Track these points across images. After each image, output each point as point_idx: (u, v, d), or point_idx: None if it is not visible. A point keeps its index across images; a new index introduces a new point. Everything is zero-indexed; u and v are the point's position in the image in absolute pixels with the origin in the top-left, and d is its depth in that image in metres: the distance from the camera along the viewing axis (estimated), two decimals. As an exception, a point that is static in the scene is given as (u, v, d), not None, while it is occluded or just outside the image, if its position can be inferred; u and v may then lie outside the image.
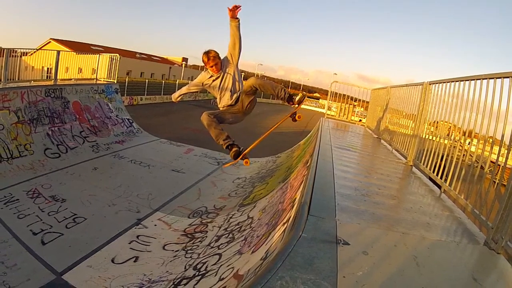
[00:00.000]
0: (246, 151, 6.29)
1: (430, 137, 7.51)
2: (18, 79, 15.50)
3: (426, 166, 6.92)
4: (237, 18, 5.80)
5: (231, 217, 8.84)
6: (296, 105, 6.25)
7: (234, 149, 6.12)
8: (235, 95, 6.27)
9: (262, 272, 3.32)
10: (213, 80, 6.24)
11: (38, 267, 6.93)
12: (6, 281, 6.31)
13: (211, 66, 6.07)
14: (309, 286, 2.68)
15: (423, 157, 7.23)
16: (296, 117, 6.52)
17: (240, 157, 6.16)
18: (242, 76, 6.92)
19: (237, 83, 6.29)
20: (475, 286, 3.04)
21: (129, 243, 8.06)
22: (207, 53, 6.05)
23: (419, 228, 4.20)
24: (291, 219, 4.61)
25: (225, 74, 6.21)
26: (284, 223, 4.97)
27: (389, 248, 3.59)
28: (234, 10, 5.68)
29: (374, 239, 3.74)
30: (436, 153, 6.57)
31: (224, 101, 6.34)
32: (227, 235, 7.60)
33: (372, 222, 4.22)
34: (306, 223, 3.74)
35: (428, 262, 3.38)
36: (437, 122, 7.60)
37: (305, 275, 2.81)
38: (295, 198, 5.78)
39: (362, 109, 19.56)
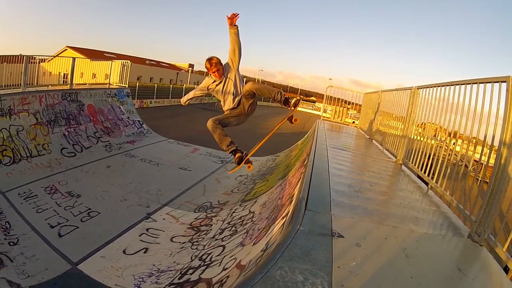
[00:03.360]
0: (248, 156, 6.31)
1: (418, 138, 7.57)
2: (37, 83, 15.63)
3: (415, 165, 7.00)
4: (236, 25, 5.84)
5: (234, 212, 8.87)
6: (292, 108, 6.13)
7: (237, 155, 6.16)
8: (237, 98, 6.29)
9: (263, 262, 3.35)
10: (216, 85, 6.29)
11: (55, 258, 6.98)
12: (25, 270, 6.36)
13: (214, 72, 6.11)
14: (306, 275, 2.73)
15: (412, 156, 7.30)
16: (293, 120, 6.49)
17: (243, 162, 6.20)
18: (244, 81, 6.94)
19: (238, 87, 6.31)
20: (459, 276, 3.09)
21: (140, 236, 8.11)
22: (209, 59, 6.09)
23: (408, 222, 4.25)
24: (289, 213, 4.62)
25: (227, 79, 6.25)
26: (283, 217, 5.00)
27: (380, 241, 3.64)
28: (233, 18, 5.73)
29: (366, 232, 3.79)
30: (424, 153, 6.64)
31: (227, 104, 6.36)
32: (230, 228, 7.63)
33: (365, 216, 4.27)
34: (303, 217, 3.79)
35: (417, 254, 3.45)
36: (424, 123, 7.69)
37: (303, 265, 2.86)
38: (293, 194, 5.78)
39: (355, 111, 19.62)
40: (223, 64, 6.18)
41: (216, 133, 6.07)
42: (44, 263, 6.72)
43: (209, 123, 6.05)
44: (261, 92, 6.10)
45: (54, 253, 7.17)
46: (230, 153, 6.18)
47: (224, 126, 6.21)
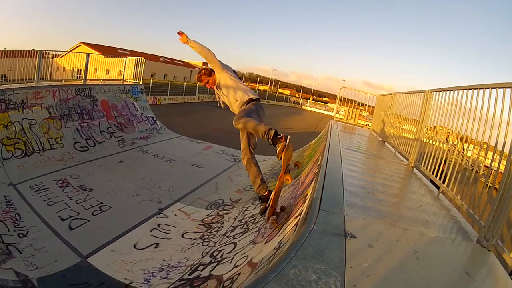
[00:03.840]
0: (270, 207, 6.09)
1: (429, 141, 7.66)
2: (50, 78, 15.78)
3: (426, 168, 7.00)
4: (189, 41, 6.07)
5: (245, 210, 8.75)
6: (280, 156, 5.67)
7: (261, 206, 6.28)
8: (237, 102, 6.38)
9: (277, 260, 3.34)
10: (218, 93, 6.50)
11: (65, 250, 6.92)
12: (34, 262, 6.32)
13: (205, 84, 6.34)
14: (320, 275, 2.79)
15: (423, 160, 7.32)
16: (270, 212, 6.19)
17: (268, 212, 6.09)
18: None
19: (232, 91, 6.34)
20: (467, 280, 3.14)
21: (151, 231, 8.03)
22: (197, 77, 6.14)
23: (419, 225, 4.31)
24: (303, 213, 4.62)
25: (220, 86, 6.40)
26: (296, 216, 4.98)
27: (392, 242, 3.71)
28: (181, 36, 6.02)
29: (378, 233, 3.87)
30: (435, 157, 6.67)
31: (235, 108, 6.48)
32: (242, 226, 7.51)
33: (377, 218, 4.34)
34: (317, 217, 3.86)
35: (427, 257, 3.49)
36: (435, 127, 7.69)
37: (316, 265, 2.92)
38: (307, 194, 5.76)
39: (367, 113, 19.53)
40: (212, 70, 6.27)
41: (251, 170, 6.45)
42: (54, 255, 6.68)
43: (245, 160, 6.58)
44: (247, 130, 6.10)
45: (64, 245, 7.11)
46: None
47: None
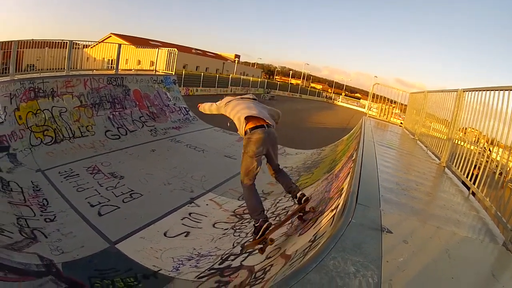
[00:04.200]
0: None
1: (460, 143, 7.57)
2: (80, 68, 15.85)
3: (458, 169, 6.91)
4: (200, 108, 6.80)
5: (278, 202, 8.63)
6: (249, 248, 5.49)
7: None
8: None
9: (316, 252, 3.29)
10: None
11: (93, 236, 6.84)
12: (60, 247, 6.23)
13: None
14: (358, 267, 2.84)
15: (455, 160, 7.22)
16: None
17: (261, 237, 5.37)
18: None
19: (238, 125, 5.95)
20: (493, 282, 3.16)
21: (182, 219, 7.96)
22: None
23: (450, 224, 4.33)
24: (340, 206, 4.58)
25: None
26: (332, 210, 4.93)
27: (426, 240, 3.76)
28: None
29: (413, 230, 3.94)
30: (467, 158, 6.55)
31: None
32: (274, 218, 7.39)
33: (411, 214, 4.41)
34: (354, 210, 3.90)
35: (458, 256, 3.52)
36: (466, 128, 7.68)
37: (354, 257, 2.97)
38: (342, 188, 5.70)
39: (399, 111, 19.17)
40: None
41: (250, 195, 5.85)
42: (81, 240, 6.59)
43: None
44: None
45: (92, 231, 7.04)
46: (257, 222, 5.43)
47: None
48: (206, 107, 6.80)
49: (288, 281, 2.83)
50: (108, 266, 5.89)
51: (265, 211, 5.62)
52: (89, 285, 5.31)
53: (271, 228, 5.34)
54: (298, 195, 5.80)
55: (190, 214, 8.26)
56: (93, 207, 8.04)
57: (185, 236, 7.28)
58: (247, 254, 5.68)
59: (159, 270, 5.88)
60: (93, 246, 6.41)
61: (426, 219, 4.30)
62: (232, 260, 5.72)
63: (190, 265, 6.02)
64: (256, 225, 5.31)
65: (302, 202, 5.74)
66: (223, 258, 5.95)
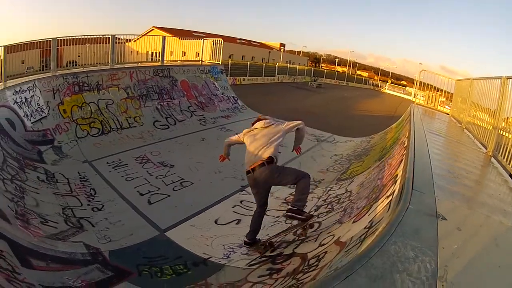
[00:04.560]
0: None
1: (504, 133, 7.43)
2: (123, 61, 15.97)
3: (504, 158, 6.72)
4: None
5: (329, 190, 8.49)
6: None
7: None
8: None
9: (377, 237, 3.26)
10: None
11: (142, 224, 6.78)
12: (107, 235, 6.19)
13: None
14: (417, 252, 2.86)
15: (501, 150, 7.05)
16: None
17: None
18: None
19: None
20: None
21: (233, 207, 7.89)
22: None
23: (498, 213, 4.27)
24: (396, 192, 4.58)
25: None
26: (388, 196, 4.89)
27: (477, 228, 3.74)
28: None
29: (464, 217, 3.93)
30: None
31: None
32: (326, 205, 7.33)
33: (463, 202, 4.40)
34: (411, 196, 3.88)
35: (506, 245, 3.53)
36: (508, 118, 7.48)
37: (413, 243, 2.98)
38: (397, 175, 5.64)
39: (444, 99, 18.40)
40: None
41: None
42: (129, 228, 6.54)
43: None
44: None
45: (142, 219, 6.98)
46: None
47: None
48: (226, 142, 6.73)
49: (353, 265, 2.78)
50: (157, 254, 5.84)
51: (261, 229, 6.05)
52: (136, 272, 5.23)
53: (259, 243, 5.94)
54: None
55: (241, 201, 8.17)
56: (142, 196, 8.00)
57: (236, 223, 7.23)
58: (300, 241, 5.59)
59: (209, 258, 5.81)
60: (142, 234, 6.37)
61: (477, 208, 4.30)
62: (284, 247, 5.63)
63: (241, 253, 5.95)
64: (248, 240, 5.96)
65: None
66: (275, 246, 5.86)
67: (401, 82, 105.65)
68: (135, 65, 15.74)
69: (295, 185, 5.58)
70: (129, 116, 12.76)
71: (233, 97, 19.19)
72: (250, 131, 5.92)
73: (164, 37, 18.10)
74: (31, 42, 12.15)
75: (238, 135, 6.16)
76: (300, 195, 5.48)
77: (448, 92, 16.99)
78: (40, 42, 12.45)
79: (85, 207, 7.12)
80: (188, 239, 6.36)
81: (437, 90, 17.46)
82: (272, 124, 5.84)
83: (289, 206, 5.51)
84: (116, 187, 8.27)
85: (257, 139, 5.71)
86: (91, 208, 7.07)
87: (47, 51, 12.40)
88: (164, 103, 14.66)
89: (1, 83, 10.30)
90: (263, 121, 5.90)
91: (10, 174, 6.88)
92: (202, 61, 20.24)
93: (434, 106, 17.38)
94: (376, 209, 4.72)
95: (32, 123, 9.74)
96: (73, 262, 5.11)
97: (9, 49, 10.93)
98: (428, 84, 17.56)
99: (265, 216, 6.84)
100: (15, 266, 4.10)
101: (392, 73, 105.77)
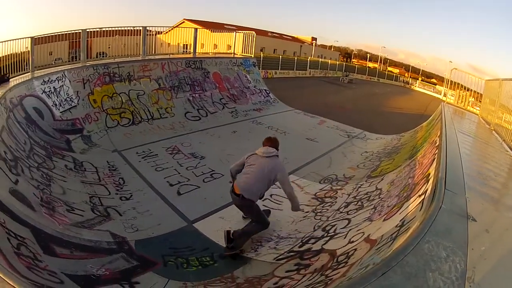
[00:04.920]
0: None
1: None
2: (154, 53, 16.18)
3: None
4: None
5: (359, 187, 8.32)
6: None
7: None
8: None
9: (411, 235, 3.29)
10: None
11: (170, 214, 6.72)
12: (134, 224, 6.16)
13: None
14: (448, 252, 2.91)
15: None
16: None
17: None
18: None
19: None
20: None
21: (263, 200, 7.48)
22: None
23: None
24: (428, 191, 4.52)
25: None
26: (420, 195, 4.83)
27: (503, 231, 3.82)
28: None
29: (493, 220, 3.99)
30: None
31: None
32: (356, 202, 7.20)
33: (492, 204, 4.47)
34: (444, 196, 3.91)
35: None
36: None
37: (446, 242, 3.04)
38: (429, 174, 5.58)
39: (473, 99, 17.99)
40: None
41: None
42: (158, 218, 6.50)
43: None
44: None
45: (170, 210, 6.92)
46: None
47: None
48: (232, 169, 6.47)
49: (389, 262, 2.83)
50: (184, 245, 5.80)
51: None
52: (162, 263, 5.20)
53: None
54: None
55: (271, 195, 7.94)
56: (172, 186, 7.96)
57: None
58: (329, 237, 5.57)
59: None
60: (169, 225, 6.34)
61: (504, 211, 4.43)
62: (313, 243, 5.58)
63: (269, 247, 5.91)
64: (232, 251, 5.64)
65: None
66: (303, 241, 5.81)
67: (431, 80, 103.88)
68: (167, 56, 15.79)
69: (251, 222, 5.96)
70: (160, 107, 12.82)
71: (265, 90, 19.07)
72: (252, 155, 6.05)
73: (196, 29, 18.18)
74: (59, 34, 12.32)
75: (243, 158, 6.25)
76: (244, 232, 5.70)
77: (477, 92, 16.69)
78: (68, 33, 12.61)
79: (113, 196, 7.11)
80: (216, 231, 6.27)
81: (466, 90, 17.14)
82: (272, 156, 5.92)
83: (227, 245, 5.62)
84: (146, 177, 8.26)
85: (251, 168, 5.86)
86: (119, 197, 7.06)
87: (76, 43, 12.60)
88: (196, 95, 14.65)
89: (29, 73, 10.47)
90: (267, 147, 6.06)
91: (37, 162, 6.89)
92: (234, 53, 20.23)
93: (464, 105, 17.04)
94: (408, 208, 4.72)
95: (61, 112, 9.85)
96: (98, 250, 5.08)
97: (36, 40, 11.09)
98: (457, 83, 17.30)
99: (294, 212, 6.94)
100: (37, 254, 4.03)
101: (422, 70, 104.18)
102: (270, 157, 5.82)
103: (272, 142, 6.23)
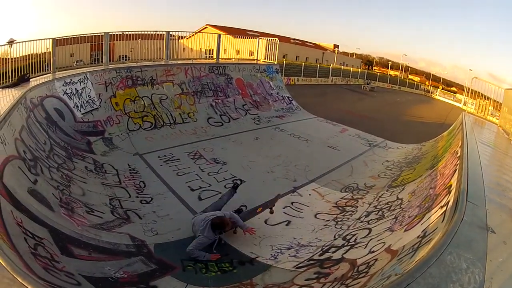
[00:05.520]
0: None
1: None
2: (177, 57, 16.28)
3: None
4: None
5: (380, 196, 8.33)
6: None
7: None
8: None
9: (433, 246, 3.35)
10: None
11: (191, 219, 6.55)
12: (154, 228, 6.22)
13: None
14: (468, 264, 2.99)
15: None
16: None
17: None
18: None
19: None
20: None
21: (283, 208, 7.76)
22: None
23: None
24: (450, 203, 4.54)
25: None
26: (442, 206, 4.86)
27: None
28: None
29: (510, 231, 4.01)
30: None
31: None
32: (376, 212, 7.21)
33: (509, 216, 4.48)
34: (465, 208, 3.97)
35: None
36: None
37: (466, 254, 3.10)
38: (450, 185, 5.58)
39: (492, 108, 17.67)
40: None
41: None
42: (178, 223, 6.54)
43: None
44: None
45: (190, 214, 6.89)
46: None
47: None
48: None
49: (413, 273, 2.88)
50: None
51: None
52: (181, 267, 5.23)
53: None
54: None
55: (292, 203, 8.05)
56: (193, 191, 8.00)
57: (286, 225, 7.16)
58: (349, 247, 5.57)
59: (256, 257, 5.78)
60: (189, 230, 6.29)
61: None
62: (333, 252, 5.58)
63: (289, 254, 5.90)
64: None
65: None
66: (324, 250, 5.81)
67: (451, 88, 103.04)
68: (190, 61, 15.84)
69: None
70: (183, 111, 12.89)
71: (288, 97, 19.06)
72: None
73: (219, 35, 18.22)
74: (80, 36, 12.44)
75: None
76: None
77: (496, 101, 16.39)
78: (90, 36, 12.78)
79: (133, 199, 7.15)
80: (236, 237, 6.32)
81: (486, 99, 16.90)
82: None
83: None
84: (167, 181, 8.30)
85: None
86: (139, 201, 7.10)
87: (97, 45, 12.74)
88: (219, 100, 14.71)
89: (50, 74, 10.59)
90: None
91: (57, 162, 6.94)
92: (257, 60, 20.22)
93: (484, 115, 16.73)
94: (429, 219, 4.74)
95: (82, 114, 9.96)
96: (117, 253, 5.09)
97: (58, 42, 11.22)
98: (477, 92, 17.01)
99: (314, 219, 7.41)
100: (54, 254, 4.02)
101: (443, 78, 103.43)
102: None
103: None
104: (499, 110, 15.62)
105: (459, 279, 2.78)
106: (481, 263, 3.02)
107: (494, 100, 16.41)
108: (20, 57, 10.14)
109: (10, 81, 9.17)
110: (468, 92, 17.26)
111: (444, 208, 4.51)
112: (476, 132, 10.38)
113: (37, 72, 10.50)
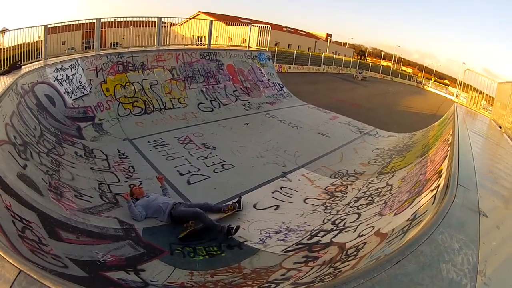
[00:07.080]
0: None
1: None
2: (169, 44, 16.12)
3: None
4: None
5: (370, 182, 8.35)
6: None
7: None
8: None
9: (425, 225, 3.39)
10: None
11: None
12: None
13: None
14: (461, 244, 3.03)
15: None
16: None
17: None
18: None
19: None
20: None
21: (272, 193, 7.81)
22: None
23: None
24: (441, 186, 4.57)
25: None
26: (432, 190, 4.87)
27: None
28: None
29: (504, 217, 4.20)
30: None
31: None
32: (366, 198, 7.19)
33: (502, 202, 4.63)
34: (456, 190, 4.02)
35: None
36: None
37: (458, 235, 3.15)
38: (441, 170, 5.62)
39: (485, 102, 17.80)
40: None
41: None
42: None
43: None
44: None
45: (180, 199, 6.91)
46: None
47: None
48: None
49: (404, 251, 2.89)
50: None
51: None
52: (169, 251, 5.23)
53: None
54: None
55: (281, 188, 8.07)
56: (182, 176, 8.01)
57: (275, 209, 7.13)
58: (338, 231, 5.57)
59: (244, 241, 5.76)
60: None
61: None
62: (322, 236, 5.59)
63: (278, 238, 5.90)
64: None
65: None
66: (312, 234, 5.82)
67: (444, 81, 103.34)
68: (181, 47, 15.75)
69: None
70: (173, 97, 12.85)
71: (279, 84, 19.05)
72: None
73: (211, 21, 18.10)
74: (72, 24, 12.30)
75: None
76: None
77: (489, 96, 16.53)
78: (82, 23, 12.68)
79: (123, 183, 7.12)
80: (224, 221, 6.25)
81: (479, 92, 16.99)
82: None
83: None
84: (156, 166, 8.29)
85: None
86: (128, 185, 7.04)
87: (89, 33, 12.63)
88: (210, 86, 14.67)
89: (41, 61, 10.49)
90: None
91: (47, 148, 6.89)
92: (249, 46, 20.15)
93: (476, 107, 16.86)
94: (419, 202, 4.74)
95: (73, 100, 9.89)
96: (105, 236, 5.07)
97: (50, 30, 11.13)
98: (470, 85, 17.16)
99: (303, 203, 7.38)
100: (42, 238, 3.99)
101: (436, 71, 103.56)
102: None
103: None
104: (491, 105, 15.79)
105: (451, 259, 2.81)
106: (474, 245, 3.07)
107: (487, 95, 16.48)
108: (12, 46, 10.03)
109: (2, 69, 9.01)
110: (460, 85, 17.18)
111: (435, 192, 4.58)
112: (468, 123, 10.56)
113: (29, 59, 10.36)
